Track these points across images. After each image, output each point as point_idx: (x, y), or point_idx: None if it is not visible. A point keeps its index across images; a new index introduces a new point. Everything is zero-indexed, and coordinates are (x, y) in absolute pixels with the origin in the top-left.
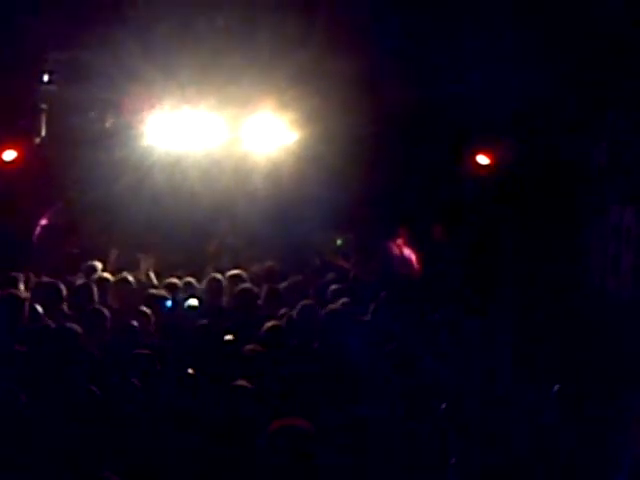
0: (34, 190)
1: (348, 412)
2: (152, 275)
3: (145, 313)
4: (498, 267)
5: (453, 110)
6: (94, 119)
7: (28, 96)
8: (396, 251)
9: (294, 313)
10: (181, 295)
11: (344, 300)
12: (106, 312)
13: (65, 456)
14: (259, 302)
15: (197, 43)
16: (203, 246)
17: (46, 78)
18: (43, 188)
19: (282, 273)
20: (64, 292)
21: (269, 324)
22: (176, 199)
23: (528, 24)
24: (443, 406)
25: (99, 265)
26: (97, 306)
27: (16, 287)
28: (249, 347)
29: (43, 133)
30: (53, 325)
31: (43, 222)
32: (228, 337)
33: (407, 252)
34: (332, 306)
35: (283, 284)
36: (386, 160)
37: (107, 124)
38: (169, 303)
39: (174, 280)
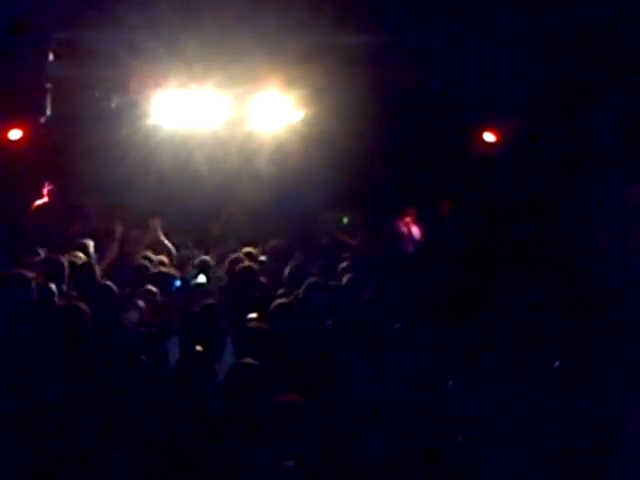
0: (39, 169)
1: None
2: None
3: (152, 292)
4: (502, 247)
5: (460, 88)
6: (99, 98)
7: (33, 75)
8: (404, 229)
9: (300, 291)
10: (191, 273)
11: (349, 276)
12: (114, 288)
13: (73, 435)
14: (263, 280)
15: (202, 21)
16: (209, 226)
17: (51, 57)
18: (48, 167)
19: (289, 251)
20: (66, 269)
21: (277, 302)
22: (182, 178)
23: (533, 6)
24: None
25: (91, 243)
26: (104, 282)
27: (24, 266)
28: (254, 324)
29: (48, 112)
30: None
31: (44, 201)
32: (252, 315)
33: (415, 230)
34: (334, 283)
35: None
36: (393, 138)
37: (112, 103)
38: (178, 282)
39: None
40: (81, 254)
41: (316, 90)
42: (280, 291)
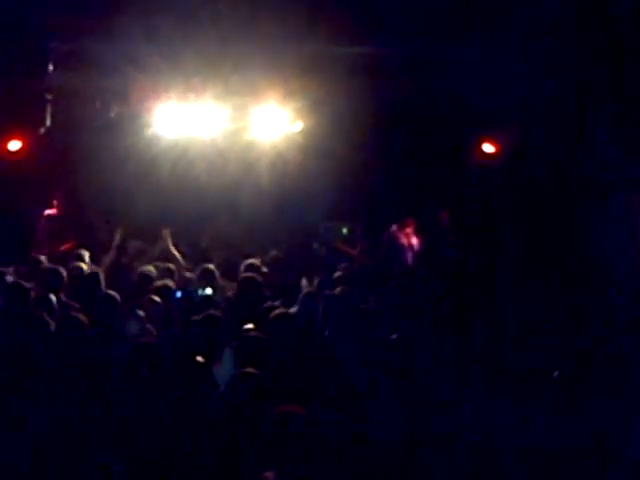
0: (39, 180)
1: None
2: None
3: (154, 301)
4: (501, 257)
5: (459, 99)
6: (99, 109)
7: (33, 86)
8: (403, 240)
9: (298, 301)
10: (196, 284)
11: (343, 287)
12: (117, 297)
13: (70, 446)
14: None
15: (202, 33)
16: (200, 239)
17: (51, 68)
18: (48, 178)
19: (287, 262)
20: (65, 278)
21: (276, 312)
22: (181, 188)
23: (532, 15)
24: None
25: (87, 253)
26: (107, 291)
27: (22, 277)
28: (253, 334)
29: (48, 123)
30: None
31: (48, 212)
32: (248, 326)
33: (414, 241)
34: (329, 293)
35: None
36: (392, 149)
37: (112, 114)
38: (178, 294)
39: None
40: (82, 264)
41: (315, 101)
42: (277, 302)
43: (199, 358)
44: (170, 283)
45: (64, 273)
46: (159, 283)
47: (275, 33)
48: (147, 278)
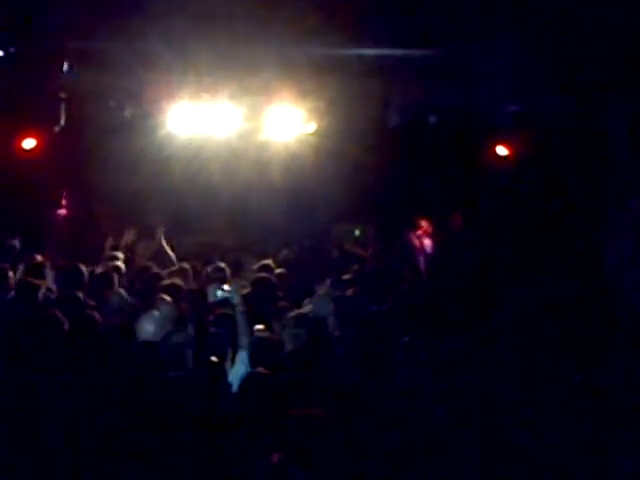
0: (53, 179)
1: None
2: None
3: (165, 300)
4: (513, 261)
5: (473, 101)
6: (113, 108)
7: (48, 85)
8: (416, 242)
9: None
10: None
11: (354, 289)
12: (126, 297)
13: (84, 449)
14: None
15: (216, 33)
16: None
17: (66, 67)
18: (62, 177)
19: (299, 263)
20: (85, 278)
21: (292, 313)
22: (194, 188)
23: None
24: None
25: (120, 255)
26: (118, 290)
27: (36, 275)
28: (267, 335)
29: (62, 122)
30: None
31: (62, 212)
32: (259, 327)
33: (427, 243)
34: (340, 294)
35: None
36: (405, 151)
37: (126, 113)
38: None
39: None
40: (120, 263)
41: (329, 102)
42: (289, 303)
43: (213, 358)
44: (179, 282)
45: (85, 272)
46: (167, 282)
47: (289, 33)
48: (156, 277)
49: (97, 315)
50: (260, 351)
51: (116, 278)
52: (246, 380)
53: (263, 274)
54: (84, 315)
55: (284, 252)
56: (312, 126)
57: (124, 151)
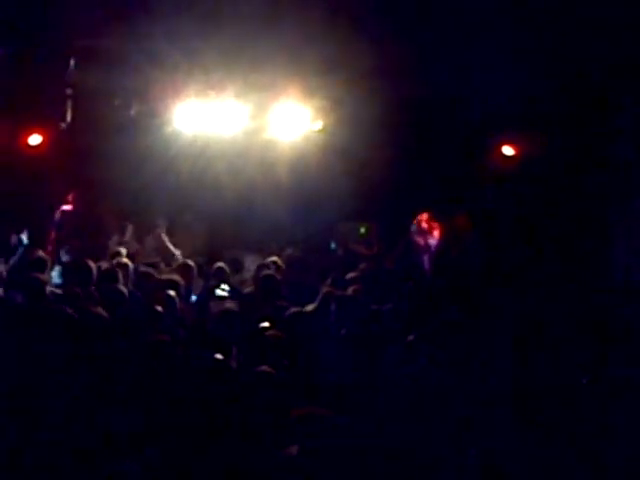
0: (58, 175)
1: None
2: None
3: (171, 297)
4: (520, 261)
5: (479, 101)
6: (119, 106)
7: (54, 82)
8: (421, 241)
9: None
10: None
11: (356, 287)
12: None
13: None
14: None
15: (222, 30)
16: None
17: (72, 64)
18: (67, 174)
19: (304, 261)
20: (94, 273)
21: (291, 310)
22: (200, 186)
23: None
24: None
25: (124, 251)
26: (121, 287)
27: (43, 271)
28: (271, 333)
29: (68, 119)
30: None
31: (65, 207)
32: (264, 324)
33: (432, 243)
34: (341, 293)
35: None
36: (411, 149)
37: (132, 111)
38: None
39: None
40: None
41: (335, 100)
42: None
43: (218, 355)
44: (177, 278)
45: (94, 268)
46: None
47: (296, 31)
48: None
49: (101, 310)
50: (264, 349)
51: (121, 274)
52: (249, 378)
53: (268, 272)
54: (89, 311)
55: (289, 250)
56: (318, 124)
57: (130, 149)
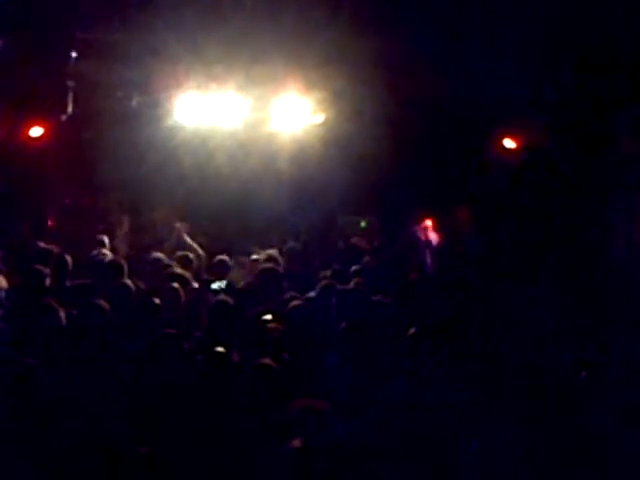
0: (60, 167)
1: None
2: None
3: (175, 289)
4: (523, 251)
5: (481, 94)
6: (120, 98)
7: (56, 74)
8: (421, 235)
9: (314, 293)
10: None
11: (357, 281)
12: (132, 287)
13: (93, 435)
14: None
15: (224, 22)
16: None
17: (74, 56)
18: (69, 165)
19: (305, 254)
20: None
21: (293, 303)
22: (201, 178)
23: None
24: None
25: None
26: (124, 280)
27: (43, 263)
28: (272, 326)
29: (70, 111)
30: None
31: (67, 200)
32: (266, 317)
33: (433, 237)
34: (342, 286)
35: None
36: (412, 142)
37: (133, 103)
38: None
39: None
40: (105, 250)
41: (336, 93)
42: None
43: (219, 348)
44: (185, 272)
45: (69, 260)
46: (172, 270)
47: (297, 23)
48: (159, 263)
49: (105, 303)
50: (265, 342)
51: (126, 267)
52: (251, 371)
53: (269, 264)
54: (93, 304)
55: (290, 243)
56: (320, 117)
57: (131, 140)
